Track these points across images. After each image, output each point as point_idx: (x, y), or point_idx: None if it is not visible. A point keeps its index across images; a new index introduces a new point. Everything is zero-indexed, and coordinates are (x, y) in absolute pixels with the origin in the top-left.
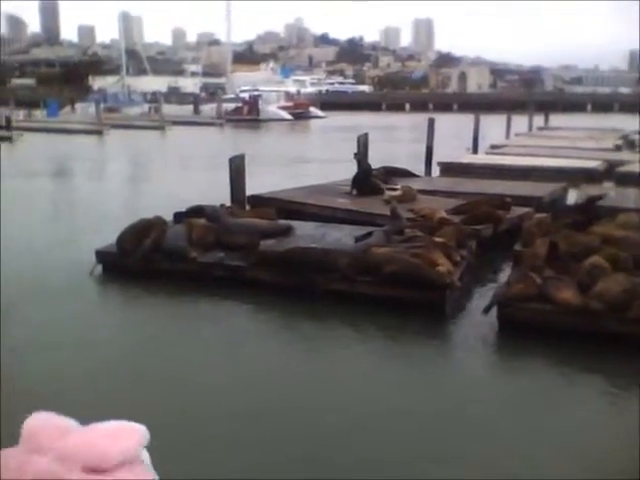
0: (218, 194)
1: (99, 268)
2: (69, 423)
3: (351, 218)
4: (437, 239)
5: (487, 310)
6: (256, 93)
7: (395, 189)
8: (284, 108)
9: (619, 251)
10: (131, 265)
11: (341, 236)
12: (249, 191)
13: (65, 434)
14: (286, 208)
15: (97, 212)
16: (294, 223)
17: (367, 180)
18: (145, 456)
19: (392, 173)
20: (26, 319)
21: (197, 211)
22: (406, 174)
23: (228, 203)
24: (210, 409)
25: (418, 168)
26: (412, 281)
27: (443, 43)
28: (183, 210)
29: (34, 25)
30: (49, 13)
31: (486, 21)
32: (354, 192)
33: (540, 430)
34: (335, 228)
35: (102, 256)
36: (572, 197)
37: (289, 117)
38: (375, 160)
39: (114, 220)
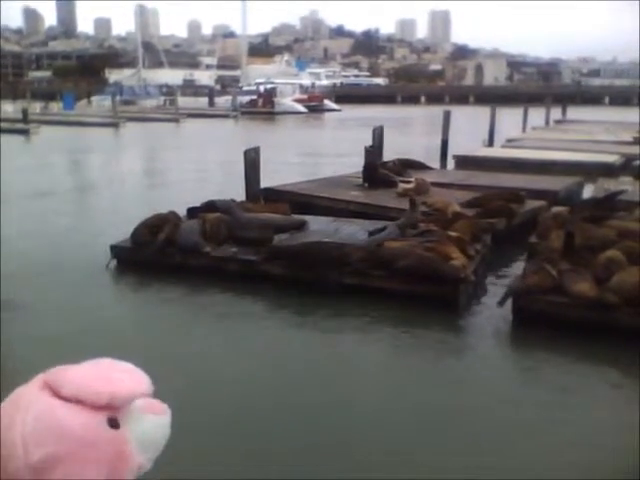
0: (233, 187)
1: (114, 263)
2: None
3: (363, 211)
4: (451, 233)
5: (502, 302)
6: (271, 86)
7: (409, 181)
8: (299, 101)
9: (636, 244)
10: (145, 259)
11: (355, 230)
12: (263, 184)
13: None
14: (299, 201)
15: (112, 208)
16: (307, 217)
17: (376, 172)
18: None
19: (406, 165)
20: (41, 311)
21: (210, 206)
22: (420, 166)
23: (243, 196)
24: (223, 400)
25: (433, 161)
26: (426, 275)
27: (460, 35)
28: (197, 205)
29: (51, 18)
30: (66, 6)
31: (503, 13)
32: (365, 185)
33: (553, 423)
34: (349, 222)
35: (117, 251)
36: (589, 191)
37: (304, 110)
38: (390, 153)
39: (128, 217)
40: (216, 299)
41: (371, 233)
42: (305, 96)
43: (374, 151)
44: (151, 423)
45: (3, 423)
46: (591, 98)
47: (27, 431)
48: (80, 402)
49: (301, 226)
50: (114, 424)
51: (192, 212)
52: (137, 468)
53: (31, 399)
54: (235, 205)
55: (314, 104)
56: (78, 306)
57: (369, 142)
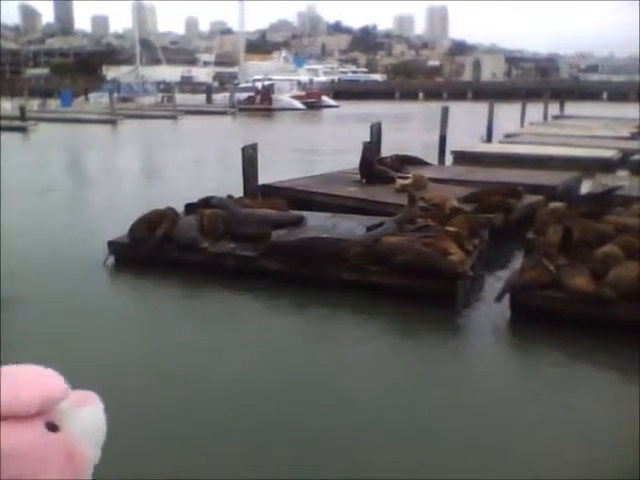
0: (231, 183)
1: (111, 259)
2: None
3: (361, 207)
4: (449, 228)
5: (500, 297)
6: (269, 82)
7: (406, 177)
8: (297, 97)
9: (633, 239)
10: (143, 255)
11: (352, 226)
12: (261, 181)
13: None
14: (296, 197)
15: (110, 204)
16: (305, 213)
17: (372, 167)
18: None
19: (404, 161)
20: (38, 308)
21: (208, 202)
22: (418, 162)
23: (241, 193)
24: (220, 395)
25: (432, 157)
26: (424, 271)
27: (457, 31)
28: (194, 201)
29: (48, 15)
30: (63, 3)
31: (501, 9)
32: (363, 180)
33: (552, 420)
34: (346, 218)
35: (114, 247)
36: (586, 186)
37: (302, 106)
38: (389, 149)
39: (125, 213)
40: (214, 295)
41: (369, 229)
42: (303, 93)
43: (371, 147)
44: (87, 414)
45: None
46: (589, 94)
47: None
48: (16, 418)
49: (299, 222)
50: (53, 427)
51: (190, 208)
52: (91, 461)
53: None
54: (232, 201)
55: (312, 101)
56: (75, 303)
57: (367, 138)
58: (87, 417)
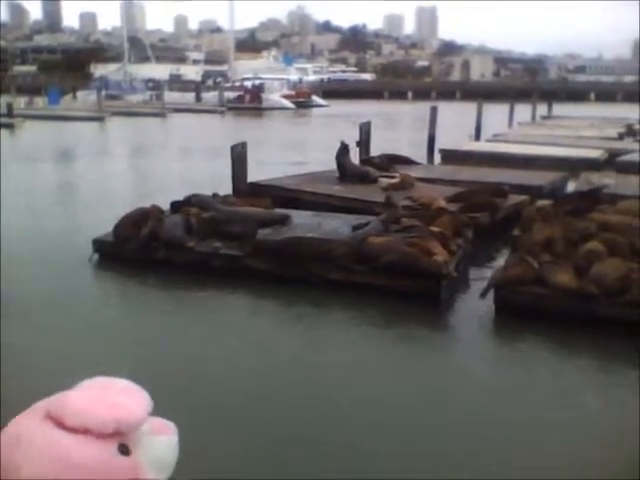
0: (220, 181)
1: (96, 257)
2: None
3: (348, 206)
4: (434, 228)
5: (484, 294)
6: (258, 81)
7: (393, 176)
8: (287, 97)
9: (616, 237)
10: (128, 254)
11: (338, 225)
12: (251, 178)
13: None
14: (283, 195)
15: (97, 199)
16: (291, 212)
17: (345, 166)
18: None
19: (393, 160)
20: (23, 309)
21: (193, 200)
22: (407, 161)
23: (229, 191)
24: (204, 396)
25: (421, 156)
26: (408, 271)
27: (446, 31)
28: (180, 199)
29: (36, 12)
30: (51, 0)
31: (490, 9)
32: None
33: (534, 415)
34: (332, 217)
35: (99, 245)
36: (573, 186)
37: (291, 106)
38: (378, 148)
39: (112, 208)
40: (199, 294)
41: (355, 228)
42: (293, 92)
43: (346, 147)
44: (161, 444)
45: (3, 459)
46: (577, 94)
47: (37, 469)
48: (87, 432)
49: (284, 220)
50: (125, 450)
51: (175, 206)
52: None
53: (34, 433)
54: (218, 199)
55: (302, 100)
56: (60, 301)
57: (356, 138)
58: (161, 447)
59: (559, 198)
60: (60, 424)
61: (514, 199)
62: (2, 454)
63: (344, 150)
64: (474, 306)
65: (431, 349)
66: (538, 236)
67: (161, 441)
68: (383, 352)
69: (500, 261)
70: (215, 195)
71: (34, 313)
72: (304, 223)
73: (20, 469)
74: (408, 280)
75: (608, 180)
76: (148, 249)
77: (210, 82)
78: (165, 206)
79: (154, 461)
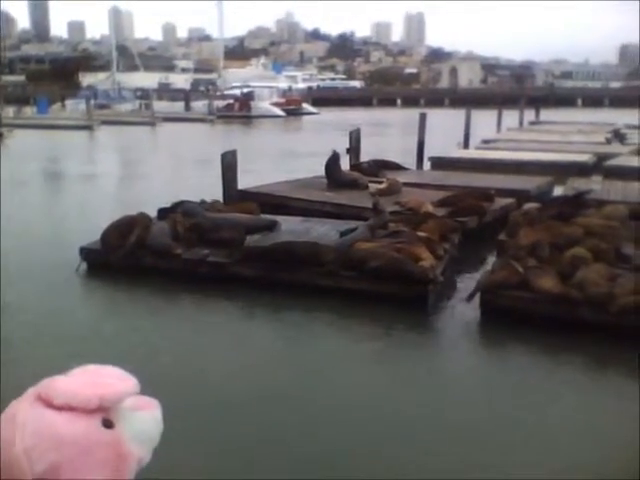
0: (209, 189)
1: (84, 265)
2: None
3: (337, 211)
4: (420, 233)
5: (470, 297)
6: (248, 89)
7: (380, 182)
8: (277, 104)
9: (601, 242)
10: (115, 262)
11: (326, 231)
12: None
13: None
14: (272, 202)
15: (85, 208)
16: (279, 218)
17: (335, 172)
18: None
19: (382, 166)
20: (10, 316)
21: (180, 207)
22: (396, 167)
23: (219, 198)
24: (190, 403)
25: (410, 162)
26: (395, 276)
27: (434, 38)
28: (167, 206)
29: (24, 21)
30: (39, 9)
31: (477, 16)
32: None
33: (518, 420)
34: (320, 223)
35: (86, 253)
36: (559, 190)
37: (281, 113)
38: (368, 155)
39: (102, 216)
40: (187, 301)
41: (342, 233)
42: (283, 99)
43: (337, 155)
44: (143, 418)
45: (3, 439)
46: (564, 100)
47: (28, 446)
48: (73, 409)
49: (271, 226)
50: (108, 424)
51: (163, 213)
52: (137, 462)
53: (26, 413)
54: (205, 206)
55: (292, 107)
56: (45, 310)
57: (347, 144)
58: (142, 420)
59: (545, 202)
60: (49, 404)
61: (501, 202)
62: (2, 434)
63: (335, 158)
64: (461, 310)
65: (418, 353)
66: (524, 241)
67: (142, 414)
68: (370, 357)
69: (487, 265)
70: (202, 202)
71: (22, 324)
72: (292, 229)
73: (14, 445)
74: (395, 285)
75: (594, 185)
76: (135, 257)
77: (202, 88)
78: (154, 213)
79: (137, 434)
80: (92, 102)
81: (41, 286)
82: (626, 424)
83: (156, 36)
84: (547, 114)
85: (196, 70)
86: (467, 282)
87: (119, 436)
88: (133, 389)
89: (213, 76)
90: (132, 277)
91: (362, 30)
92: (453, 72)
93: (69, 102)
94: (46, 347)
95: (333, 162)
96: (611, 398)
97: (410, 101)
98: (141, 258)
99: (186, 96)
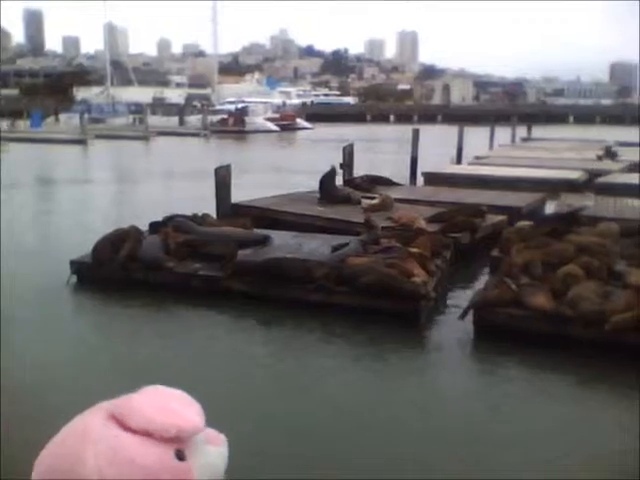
0: (202, 204)
1: (74, 279)
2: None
3: (329, 226)
4: (412, 249)
5: (464, 315)
6: (242, 105)
7: (373, 197)
8: (271, 120)
9: (593, 259)
10: (106, 275)
11: (318, 246)
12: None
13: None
14: (264, 216)
15: (77, 222)
16: (271, 232)
17: (329, 188)
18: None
19: (374, 181)
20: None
21: (172, 221)
22: (389, 182)
23: (212, 212)
24: None
25: (403, 178)
26: (387, 292)
27: (427, 55)
28: (159, 220)
29: (18, 36)
30: (34, 24)
31: (469, 34)
32: (322, 201)
33: (510, 435)
34: (312, 237)
35: (77, 266)
36: (551, 207)
37: (276, 128)
38: (361, 170)
39: (93, 229)
40: (179, 316)
41: (334, 248)
42: (277, 115)
43: (333, 171)
44: (213, 454)
45: (70, 454)
46: (556, 117)
47: (102, 464)
48: (148, 435)
49: (264, 241)
50: (181, 456)
51: (154, 227)
52: None
53: (100, 432)
54: (197, 220)
55: (286, 123)
56: (37, 325)
57: (340, 159)
58: (212, 456)
59: (538, 219)
60: (123, 425)
61: (492, 219)
62: (68, 446)
63: (332, 174)
64: (453, 327)
65: (411, 369)
66: (517, 259)
67: (212, 450)
68: (362, 372)
69: (479, 281)
70: (195, 215)
71: (10, 337)
72: (284, 244)
73: (86, 462)
74: (387, 301)
75: (587, 202)
76: (126, 270)
77: (196, 103)
78: (146, 227)
79: (206, 469)
80: (86, 116)
81: (31, 299)
82: (618, 438)
83: (151, 51)
84: (539, 131)
85: (190, 85)
86: (459, 298)
87: (190, 469)
88: (203, 421)
89: (207, 91)
90: (123, 290)
91: (356, 47)
92: (446, 89)
93: (63, 116)
94: (34, 360)
95: (329, 177)
96: (603, 413)
97: (403, 117)
98: (132, 272)
99: (180, 111)
